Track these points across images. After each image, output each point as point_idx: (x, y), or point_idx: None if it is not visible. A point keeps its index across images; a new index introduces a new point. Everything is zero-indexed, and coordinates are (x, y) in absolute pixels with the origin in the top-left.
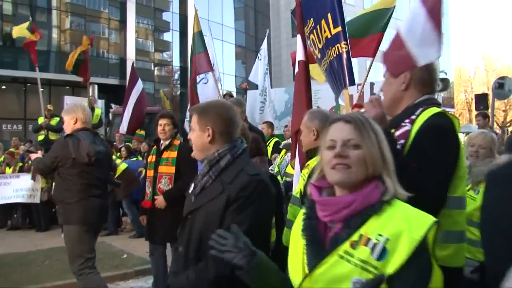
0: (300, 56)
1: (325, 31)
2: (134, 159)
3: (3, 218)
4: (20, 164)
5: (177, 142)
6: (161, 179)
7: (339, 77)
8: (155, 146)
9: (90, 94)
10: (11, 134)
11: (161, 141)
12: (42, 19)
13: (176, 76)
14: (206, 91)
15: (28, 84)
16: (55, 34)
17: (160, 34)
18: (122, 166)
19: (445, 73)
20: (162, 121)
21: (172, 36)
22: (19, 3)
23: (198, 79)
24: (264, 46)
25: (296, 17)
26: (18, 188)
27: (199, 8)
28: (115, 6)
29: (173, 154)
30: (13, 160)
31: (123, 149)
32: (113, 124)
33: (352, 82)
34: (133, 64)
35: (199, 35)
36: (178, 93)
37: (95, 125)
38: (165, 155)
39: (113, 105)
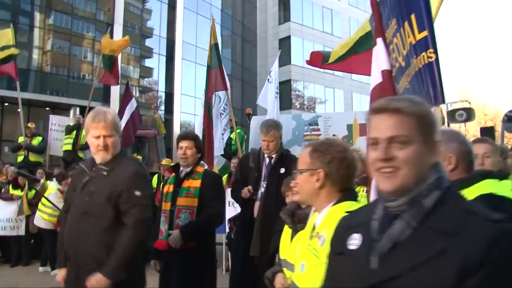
0: (383, 64)
1: (408, 36)
2: None
3: None
4: None
5: (201, 169)
6: (180, 214)
7: (426, 91)
8: (172, 174)
9: (71, 116)
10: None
11: (181, 168)
12: (23, 38)
13: (161, 102)
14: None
15: (6, 104)
16: (35, 54)
17: (145, 59)
18: None
19: (469, 102)
20: (183, 143)
21: (158, 61)
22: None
23: (212, 102)
24: (275, 68)
25: (374, 17)
26: None
27: (186, 33)
28: (100, 30)
29: (196, 183)
30: None
31: None
32: None
33: (442, 99)
34: (127, 82)
35: (216, 48)
36: (163, 119)
37: (83, 146)
38: (186, 184)
39: None
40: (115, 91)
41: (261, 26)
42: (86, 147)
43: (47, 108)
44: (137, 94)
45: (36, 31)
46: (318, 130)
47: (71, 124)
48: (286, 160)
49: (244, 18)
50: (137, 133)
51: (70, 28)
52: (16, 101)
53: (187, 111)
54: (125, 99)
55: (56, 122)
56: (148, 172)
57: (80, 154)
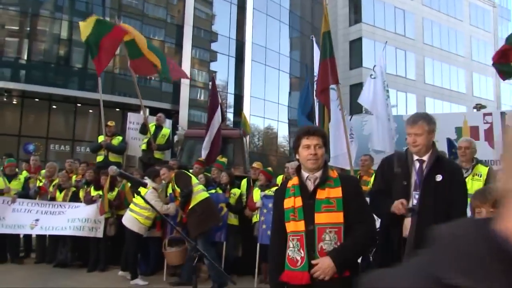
0: None
1: None
2: (213, 191)
3: (52, 251)
4: (73, 189)
5: (334, 173)
6: (323, 235)
7: None
8: (295, 181)
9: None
10: (57, 155)
11: (306, 173)
12: None
13: (231, 104)
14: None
15: (79, 105)
16: None
17: (214, 61)
18: (202, 194)
19: None
20: (311, 141)
21: (228, 63)
22: (74, 29)
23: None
24: (381, 62)
25: None
26: (75, 218)
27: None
28: (171, 30)
29: (336, 192)
30: (67, 182)
31: (201, 178)
32: (184, 148)
33: None
34: (213, 76)
35: (327, 36)
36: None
37: (161, 146)
38: (322, 194)
39: (179, 127)
40: (185, 93)
41: (331, 28)
42: (164, 147)
43: (117, 109)
44: (206, 97)
45: None
46: None
47: (149, 124)
48: (443, 164)
49: (313, 19)
50: (222, 133)
51: (140, 31)
52: (88, 102)
53: (257, 114)
54: (212, 101)
55: (134, 120)
56: None
57: (157, 155)
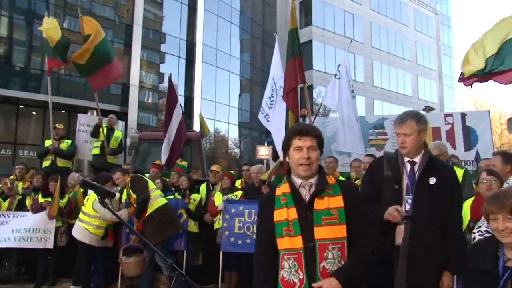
0: None
1: None
2: (171, 196)
3: None
4: (19, 197)
5: (332, 179)
6: (326, 252)
7: None
8: (285, 188)
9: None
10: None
11: (299, 180)
12: (38, 42)
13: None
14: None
15: (21, 106)
16: None
17: (164, 62)
18: (160, 201)
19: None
20: (303, 142)
21: (178, 64)
22: (16, 26)
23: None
24: (345, 61)
25: None
26: (20, 228)
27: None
28: (119, 30)
29: (336, 201)
30: (11, 189)
31: (158, 183)
32: (138, 151)
33: None
34: (170, 77)
35: (294, 33)
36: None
37: (114, 150)
38: (321, 204)
39: (132, 129)
40: (134, 95)
41: (281, 30)
42: (118, 151)
43: (63, 111)
44: (156, 99)
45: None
46: (385, 134)
47: (105, 125)
48: (436, 166)
49: (264, 22)
50: None
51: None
52: (31, 104)
53: (207, 116)
54: (170, 100)
55: (85, 122)
56: None
57: (110, 160)
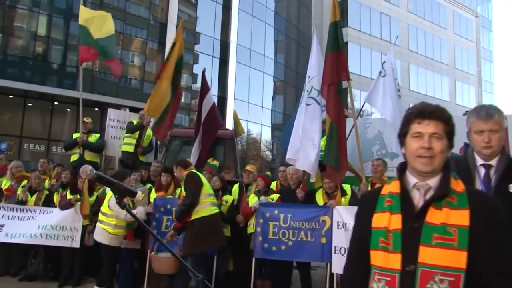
0: None
1: None
2: None
3: (19, 262)
4: (47, 192)
5: (459, 185)
6: (428, 283)
7: None
8: (395, 187)
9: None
10: (32, 155)
11: (415, 179)
12: (75, 40)
13: None
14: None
15: (56, 103)
16: None
17: (198, 62)
18: (208, 209)
19: None
20: (422, 127)
21: (211, 64)
22: (54, 25)
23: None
24: (390, 58)
25: None
26: (47, 225)
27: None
28: (154, 28)
29: (459, 216)
30: (40, 185)
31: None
32: (169, 149)
33: None
34: (204, 71)
35: (336, 27)
36: None
37: (145, 148)
38: (437, 217)
39: None
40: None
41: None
42: (149, 150)
43: (96, 109)
44: (188, 100)
45: None
46: None
47: (135, 122)
48: None
49: (299, 23)
50: None
51: (122, 31)
52: (65, 100)
53: (240, 117)
54: (202, 94)
55: (115, 118)
56: None
57: (142, 158)
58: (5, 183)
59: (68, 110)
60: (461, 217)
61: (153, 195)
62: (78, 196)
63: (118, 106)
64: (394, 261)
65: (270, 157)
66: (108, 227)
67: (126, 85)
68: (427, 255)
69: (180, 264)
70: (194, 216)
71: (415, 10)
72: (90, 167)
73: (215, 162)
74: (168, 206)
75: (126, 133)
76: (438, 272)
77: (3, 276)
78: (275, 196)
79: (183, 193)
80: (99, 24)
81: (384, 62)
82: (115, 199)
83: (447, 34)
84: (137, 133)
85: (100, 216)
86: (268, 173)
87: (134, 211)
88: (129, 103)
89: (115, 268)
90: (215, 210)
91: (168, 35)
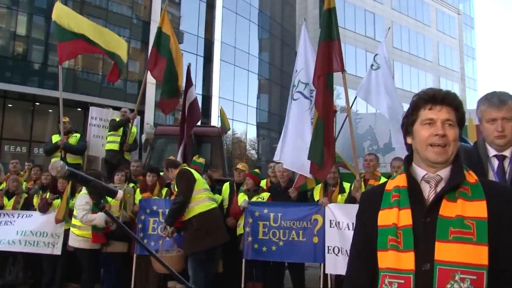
0: None
1: None
2: None
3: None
4: (25, 195)
5: (472, 175)
6: (449, 283)
7: None
8: (401, 180)
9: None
10: (13, 157)
11: (423, 171)
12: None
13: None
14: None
15: (37, 103)
16: None
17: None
18: (205, 205)
19: None
20: (434, 113)
21: (196, 62)
22: (34, 24)
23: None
24: (383, 51)
25: None
26: (26, 230)
27: (225, 34)
28: (137, 27)
29: (476, 208)
30: (18, 188)
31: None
32: (154, 147)
33: None
34: (189, 67)
35: (330, 14)
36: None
37: (130, 146)
38: (452, 209)
39: (148, 124)
40: (151, 93)
41: (300, 29)
42: (134, 147)
43: (79, 109)
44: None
45: None
46: None
47: (117, 118)
48: None
49: (283, 21)
50: (197, 131)
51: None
52: (47, 101)
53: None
54: (186, 86)
55: (97, 116)
56: None
57: (127, 156)
58: None
59: (50, 110)
60: (478, 209)
61: (138, 196)
62: (59, 200)
63: (101, 106)
64: (407, 260)
65: (256, 156)
66: (74, 228)
67: (109, 85)
68: (444, 251)
69: (184, 262)
70: (191, 213)
71: (399, 8)
72: (62, 162)
73: (201, 160)
74: (154, 208)
75: (109, 131)
76: (458, 270)
77: None
78: (265, 195)
79: (175, 191)
80: (76, 20)
81: (376, 55)
82: (87, 199)
83: (431, 31)
84: (121, 130)
85: (73, 220)
86: (257, 170)
87: (94, 216)
88: (113, 103)
89: (95, 272)
90: (213, 205)
91: (151, 34)
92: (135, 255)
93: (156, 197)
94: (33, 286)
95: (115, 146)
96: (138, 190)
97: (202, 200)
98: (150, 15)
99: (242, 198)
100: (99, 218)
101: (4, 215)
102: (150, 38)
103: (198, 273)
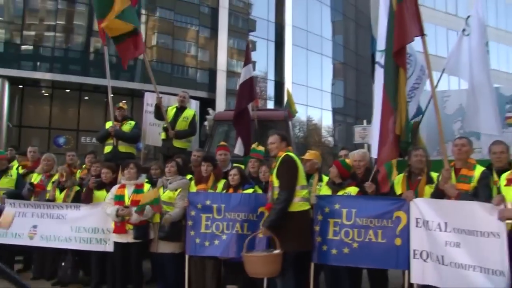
0: None
1: None
2: (250, 190)
3: (52, 265)
4: (77, 188)
5: None
6: None
7: None
8: None
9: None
10: (89, 148)
11: None
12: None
13: (271, 93)
14: None
15: (111, 95)
16: None
17: (255, 50)
18: (304, 204)
19: None
20: None
21: (267, 48)
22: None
23: None
24: (478, 11)
25: None
26: (79, 227)
27: (296, 18)
28: (205, 14)
29: None
30: (69, 178)
31: (233, 174)
32: (214, 134)
33: None
34: (248, 43)
35: None
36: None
37: (182, 132)
38: None
39: (210, 110)
40: (222, 81)
41: (375, 10)
42: (186, 133)
43: (127, 96)
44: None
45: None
46: None
47: (175, 105)
48: None
49: (356, 1)
50: (261, 115)
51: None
52: (121, 92)
53: (300, 102)
54: (245, 63)
55: (153, 102)
56: None
57: (177, 144)
58: (35, 178)
59: (124, 101)
60: None
61: (193, 188)
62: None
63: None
64: None
65: (332, 142)
66: None
67: (179, 74)
68: None
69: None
70: (295, 208)
71: None
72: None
73: (261, 148)
74: (207, 202)
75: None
76: None
77: (39, 279)
78: (353, 190)
79: (276, 182)
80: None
81: (468, 17)
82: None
83: None
84: (171, 116)
85: None
86: (347, 160)
87: (109, 209)
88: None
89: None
90: (307, 206)
91: (221, 20)
92: (187, 256)
93: (210, 190)
94: (87, 284)
95: (163, 135)
96: (193, 182)
97: (298, 199)
98: (218, 1)
99: (325, 192)
100: (111, 211)
101: (55, 207)
102: (219, 25)
103: (288, 283)
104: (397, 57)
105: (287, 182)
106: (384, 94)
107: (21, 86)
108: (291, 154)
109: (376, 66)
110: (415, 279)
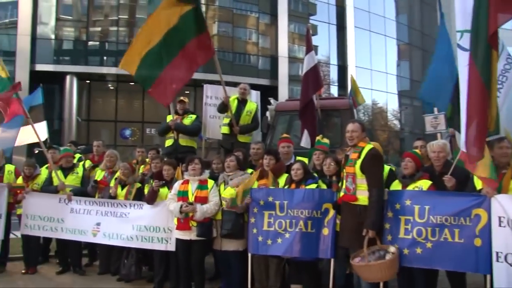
0: None
1: None
2: (313, 185)
3: (117, 261)
4: (139, 185)
5: None
6: None
7: None
8: None
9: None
10: (154, 140)
11: None
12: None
13: (334, 78)
14: None
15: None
16: None
17: (316, 33)
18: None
19: None
20: None
21: (328, 32)
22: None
23: None
24: None
25: None
26: (141, 226)
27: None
28: (265, 0)
29: None
30: (130, 175)
31: (296, 168)
32: (275, 126)
33: None
34: (308, 29)
35: None
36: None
37: (245, 127)
38: None
39: (272, 100)
40: (284, 68)
41: None
42: (250, 128)
43: (189, 85)
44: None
45: None
46: None
47: (235, 96)
48: None
49: None
50: (324, 104)
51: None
52: (187, 83)
53: (363, 85)
54: (307, 50)
55: (213, 94)
56: None
57: (241, 138)
58: (99, 174)
59: (187, 92)
60: None
61: (254, 184)
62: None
63: (234, 84)
64: None
65: (399, 126)
66: None
67: (241, 62)
68: None
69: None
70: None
71: None
72: None
73: (325, 140)
74: (270, 199)
75: (218, 112)
76: None
77: (104, 274)
78: (424, 184)
79: (360, 175)
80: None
81: None
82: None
83: None
84: (231, 110)
85: None
86: (418, 150)
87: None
88: (245, 79)
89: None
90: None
91: (280, 6)
92: (249, 254)
93: (272, 187)
94: (150, 281)
95: (226, 130)
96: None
97: None
98: None
99: (395, 186)
100: (174, 207)
101: (118, 205)
102: (278, 11)
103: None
104: (492, 37)
105: (379, 178)
106: (478, 82)
107: (88, 81)
108: (378, 148)
109: (458, 49)
110: (500, 284)
